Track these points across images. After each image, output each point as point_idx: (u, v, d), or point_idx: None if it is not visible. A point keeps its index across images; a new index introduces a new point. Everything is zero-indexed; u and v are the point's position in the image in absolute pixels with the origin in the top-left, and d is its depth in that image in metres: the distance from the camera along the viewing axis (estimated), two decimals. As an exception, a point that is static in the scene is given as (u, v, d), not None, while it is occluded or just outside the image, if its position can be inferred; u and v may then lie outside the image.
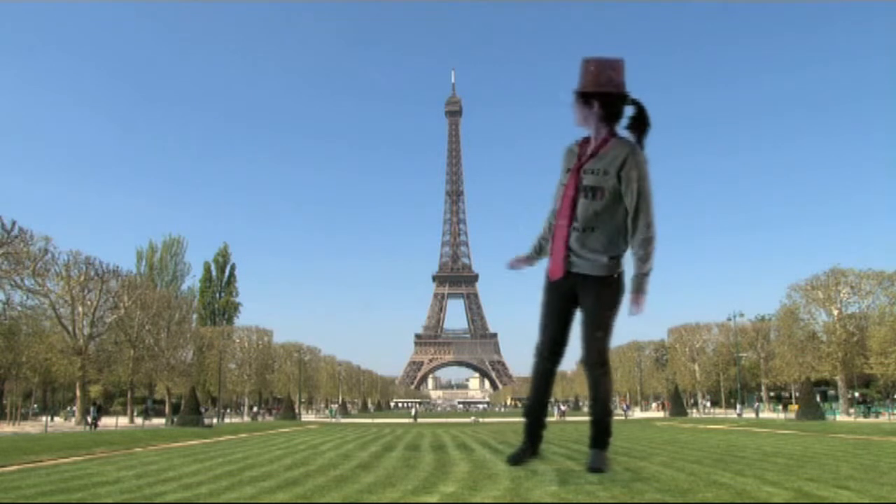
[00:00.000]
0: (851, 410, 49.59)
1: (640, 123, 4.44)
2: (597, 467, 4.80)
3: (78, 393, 43.84)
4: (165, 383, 53.93)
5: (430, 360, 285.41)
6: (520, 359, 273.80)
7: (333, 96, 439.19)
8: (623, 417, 52.70)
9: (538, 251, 4.95)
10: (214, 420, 43.13)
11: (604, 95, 4.36)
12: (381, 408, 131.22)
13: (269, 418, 58.51)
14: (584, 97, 4.40)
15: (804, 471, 7.02)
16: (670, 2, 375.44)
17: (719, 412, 63.35)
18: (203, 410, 42.76)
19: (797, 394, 62.80)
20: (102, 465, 9.13)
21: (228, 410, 68.98)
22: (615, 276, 4.44)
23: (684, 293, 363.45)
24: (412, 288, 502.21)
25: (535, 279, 4.86)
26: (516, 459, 5.01)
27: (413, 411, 60.36)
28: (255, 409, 70.02)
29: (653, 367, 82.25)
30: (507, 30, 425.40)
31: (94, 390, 62.25)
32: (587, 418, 5.07)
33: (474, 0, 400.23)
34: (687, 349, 70.71)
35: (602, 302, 4.42)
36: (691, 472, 6.65)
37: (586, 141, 4.54)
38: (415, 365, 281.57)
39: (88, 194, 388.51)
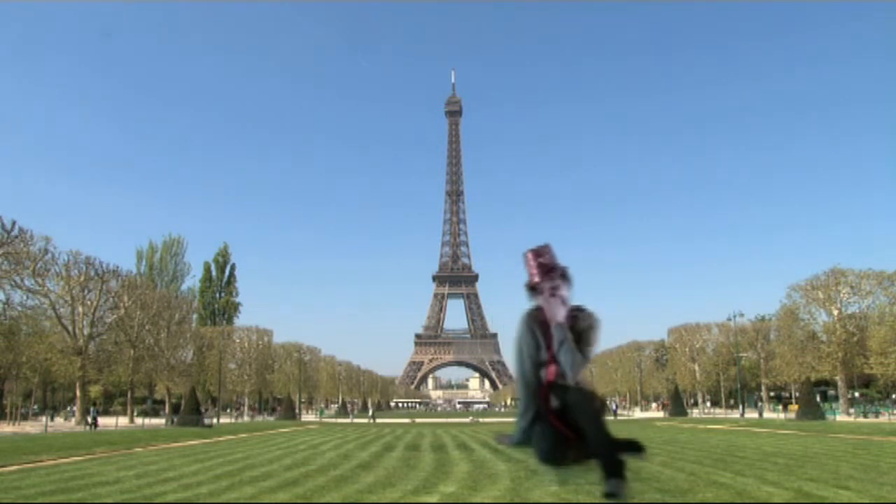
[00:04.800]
0: (851, 410, 49.54)
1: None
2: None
3: (78, 393, 43.79)
4: (165, 383, 53.87)
5: (431, 360, 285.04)
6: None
7: (333, 96, 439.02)
8: (613, 418, 52.99)
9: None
10: (214, 420, 43.08)
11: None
12: (381, 408, 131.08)
13: (268, 418, 58.39)
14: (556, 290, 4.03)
15: (804, 471, 7.02)
16: (670, 2, 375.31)
17: (720, 412, 63.29)
18: (203, 410, 42.69)
19: (797, 394, 62.72)
20: (102, 465, 9.12)
21: (229, 410, 68.89)
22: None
23: (684, 293, 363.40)
24: (412, 288, 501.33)
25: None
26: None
27: (370, 411, 58.32)
28: (249, 410, 69.83)
29: (653, 367, 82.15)
30: (507, 30, 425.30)
31: (94, 390, 62.17)
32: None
33: (474, 0, 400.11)
34: (687, 349, 70.61)
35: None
36: (691, 472, 6.64)
37: (544, 320, 4.02)
38: (415, 365, 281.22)
39: (88, 194, 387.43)
